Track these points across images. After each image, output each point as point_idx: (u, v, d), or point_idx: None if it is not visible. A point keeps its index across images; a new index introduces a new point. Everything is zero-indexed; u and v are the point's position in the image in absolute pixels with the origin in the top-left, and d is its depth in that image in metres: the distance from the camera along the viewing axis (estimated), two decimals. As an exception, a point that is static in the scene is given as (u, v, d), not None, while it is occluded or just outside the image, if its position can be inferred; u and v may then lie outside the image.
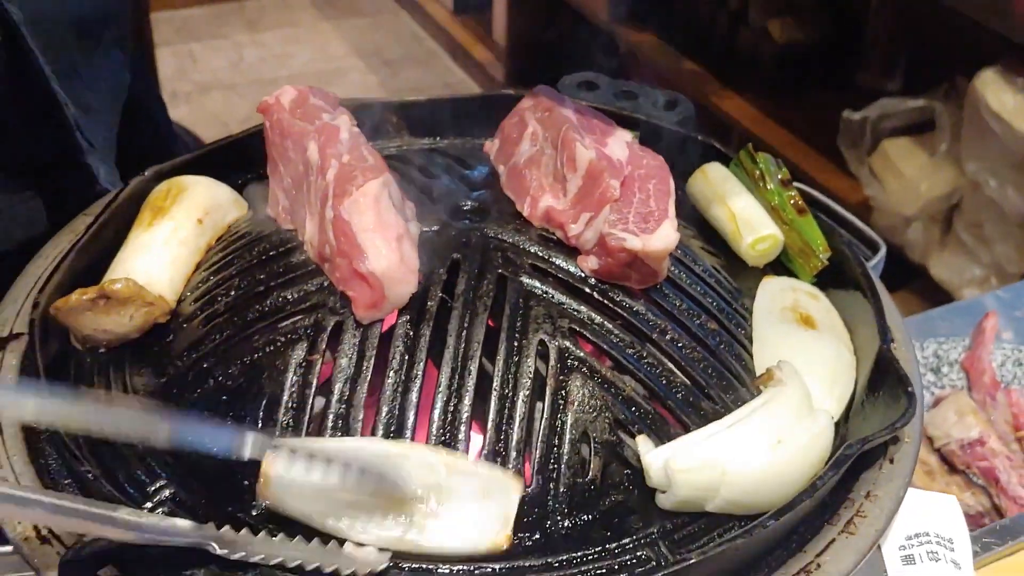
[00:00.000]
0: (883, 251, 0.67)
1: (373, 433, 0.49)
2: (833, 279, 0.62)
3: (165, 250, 0.59)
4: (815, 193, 0.70)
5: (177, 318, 0.57)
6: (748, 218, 0.63)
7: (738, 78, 2.14)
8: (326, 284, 0.54)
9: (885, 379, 0.53)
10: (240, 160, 0.68)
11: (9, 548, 0.48)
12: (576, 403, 0.51)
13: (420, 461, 0.47)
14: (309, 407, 0.50)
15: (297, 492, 0.45)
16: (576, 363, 0.51)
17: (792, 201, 0.63)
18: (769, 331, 0.57)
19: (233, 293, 0.56)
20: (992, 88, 1.57)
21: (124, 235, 0.61)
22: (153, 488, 0.49)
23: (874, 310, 0.57)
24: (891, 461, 0.52)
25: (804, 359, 0.54)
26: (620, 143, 0.57)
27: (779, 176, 0.65)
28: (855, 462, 0.51)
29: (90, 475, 0.47)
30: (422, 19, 2.99)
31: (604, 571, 0.46)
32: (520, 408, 0.50)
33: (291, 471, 0.45)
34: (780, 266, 0.64)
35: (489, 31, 2.76)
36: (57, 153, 0.73)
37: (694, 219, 0.66)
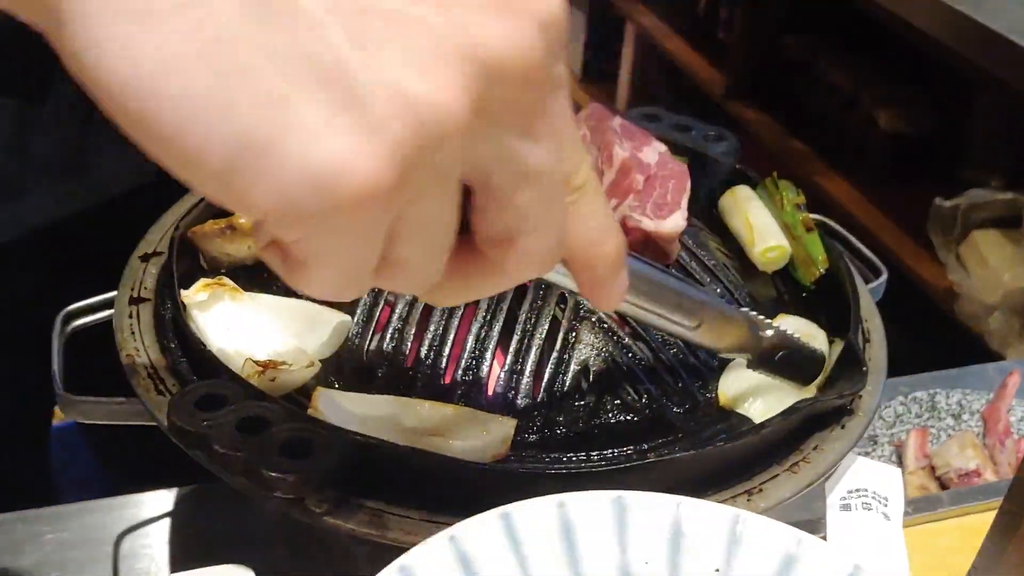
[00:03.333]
0: (884, 276, 0.77)
1: (419, 344, 0.62)
2: (831, 288, 0.73)
3: (282, 200, 0.74)
4: (831, 222, 0.80)
5: (284, 252, 0.71)
6: (762, 229, 0.74)
7: (843, 161, 2.23)
8: (401, 233, 0.67)
9: (847, 361, 0.64)
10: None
11: (134, 399, 0.63)
12: (583, 343, 0.63)
13: (430, 407, 0.59)
14: (375, 320, 0.64)
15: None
16: (588, 314, 0.64)
17: (802, 220, 0.74)
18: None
19: (329, 236, 0.70)
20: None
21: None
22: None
23: (852, 307, 0.67)
24: (842, 427, 0.62)
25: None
26: (653, 151, 0.70)
27: (795, 201, 0.76)
28: (810, 424, 0.62)
29: (202, 347, 0.61)
30: (552, 83, 3.17)
31: (583, 468, 0.58)
32: (537, 341, 0.63)
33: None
34: (786, 273, 0.75)
35: (613, 98, 2.91)
36: None
37: (720, 229, 0.78)
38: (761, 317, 0.62)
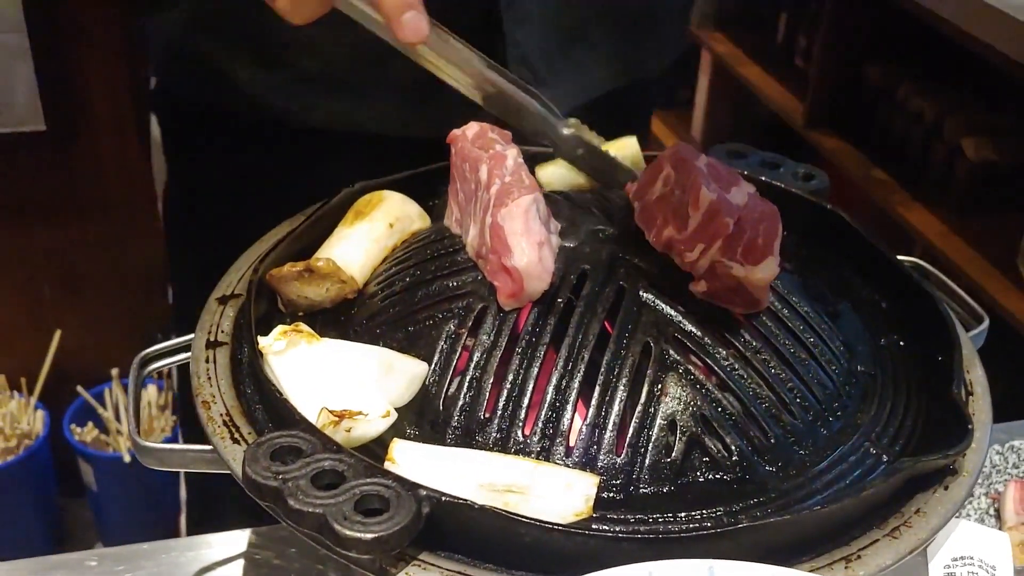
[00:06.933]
0: (986, 323, 0.73)
1: (498, 393, 0.60)
2: (931, 336, 0.69)
3: (360, 243, 0.73)
4: (927, 265, 0.77)
5: (362, 295, 0.70)
6: None
7: (927, 192, 2.16)
8: (480, 278, 0.66)
9: (950, 417, 0.60)
10: (430, 187, 0.81)
11: (209, 447, 0.62)
12: (669, 396, 0.60)
13: (509, 462, 0.57)
14: (452, 367, 0.62)
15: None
16: (674, 364, 0.61)
17: None
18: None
19: (407, 279, 0.69)
20: None
21: (331, 230, 0.75)
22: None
23: (956, 359, 0.64)
24: (945, 488, 0.59)
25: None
26: (742, 192, 0.67)
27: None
28: (912, 485, 0.58)
29: (279, 394, 0.60)
30: (626, 111, 3.14)
31: (671, 530, 0.55)
32: (620, 393, 0.60)
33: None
34: (883, 324, 0.71)
35: (688, 127, 2.88)
36: None
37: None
38: (573, 120, 0.77)
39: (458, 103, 0.84)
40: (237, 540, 0.85)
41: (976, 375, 0.67)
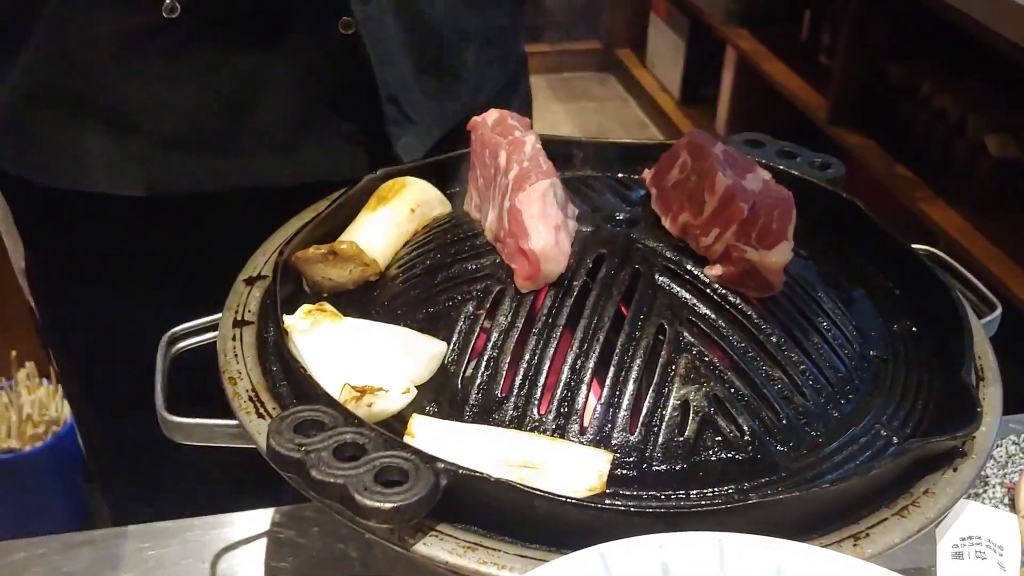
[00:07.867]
0: (998, 310, 0.74)
1: (514, 373, 0.62)
2: (943, 323, 0.70)
3: (382, 227, 0.74)
4: (941, 253, 0.78)
5: (384, 278, 0.72)
6: None
7: (949, 188, 2.16)
8: (498, 261, 0.67)
9: (960, 400, 0.61)
10: (451, 173, 0.83)
11: (235, 422, 0.64)
12: (683, 377, 0.61)
13: (525, 438, 0.59)
14: (470, 348, 0.64)
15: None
16: (688, 346, 0.62)
17: None
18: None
19: (428, 262, 0.70)
20: None
21: (354, 215, 0.77)
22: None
23: (966, 343, 0.65)
24: (955, 470, 0.59)
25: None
26: (757, 178, 0.68)
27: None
28: (921, 466, 0.59)
29: (303, 370, 0.62)
30: (648, 107, 3.16)
31: (683, 506, 0.57)
32: (635, 373, 0.61)
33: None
34: (895, 309, 0.72)
35: (712, 122, 2.88)
36: (367, 119, 0.91)
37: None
38: None
39: (326, 146, 0.88)
40: (260, 519, 0.87)
41: (988, 361, 0.68)
